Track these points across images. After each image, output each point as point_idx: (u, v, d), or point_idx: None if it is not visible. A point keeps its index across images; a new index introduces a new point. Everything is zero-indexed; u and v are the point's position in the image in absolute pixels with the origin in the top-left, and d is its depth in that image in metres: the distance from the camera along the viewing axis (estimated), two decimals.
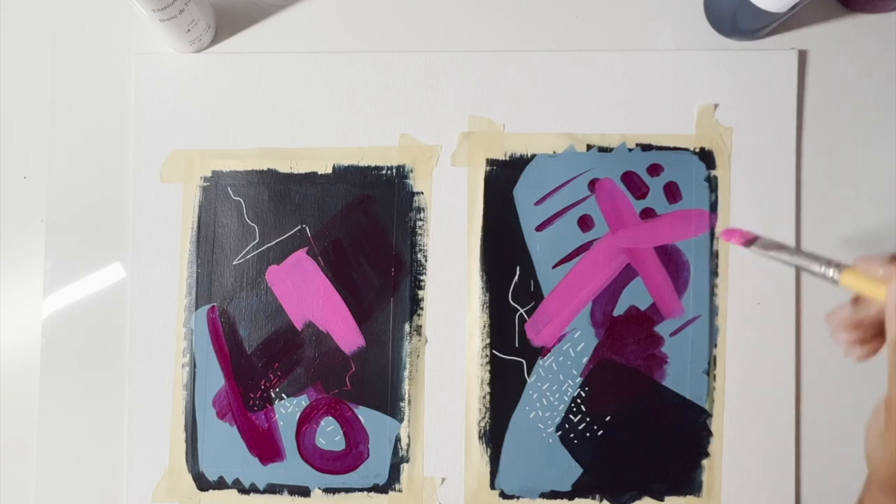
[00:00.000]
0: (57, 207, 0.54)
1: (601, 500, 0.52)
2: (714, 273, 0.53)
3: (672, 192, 0.53)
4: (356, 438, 0.53)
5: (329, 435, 0.53)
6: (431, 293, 0.53)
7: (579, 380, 0.52)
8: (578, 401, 0.52)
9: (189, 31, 0.51)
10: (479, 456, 0.52)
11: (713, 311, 0.52)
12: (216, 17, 0.55)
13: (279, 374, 0.53)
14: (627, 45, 0.54)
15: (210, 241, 0.54)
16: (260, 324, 0.53)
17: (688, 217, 0.53)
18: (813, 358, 0.52)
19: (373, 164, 0.54)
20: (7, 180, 0.56)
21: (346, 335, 0.53)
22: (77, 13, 0.55)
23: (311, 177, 0.54)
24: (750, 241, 0.43)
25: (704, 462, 0.52)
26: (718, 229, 0.53)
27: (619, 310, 0.53)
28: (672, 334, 0.52)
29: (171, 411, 0.53)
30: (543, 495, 0.52)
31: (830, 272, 0.38)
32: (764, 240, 0.42)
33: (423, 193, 0.54)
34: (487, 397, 0.53)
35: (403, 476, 0.52)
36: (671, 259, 0.53)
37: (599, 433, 0.52)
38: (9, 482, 0.54)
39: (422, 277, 0.53)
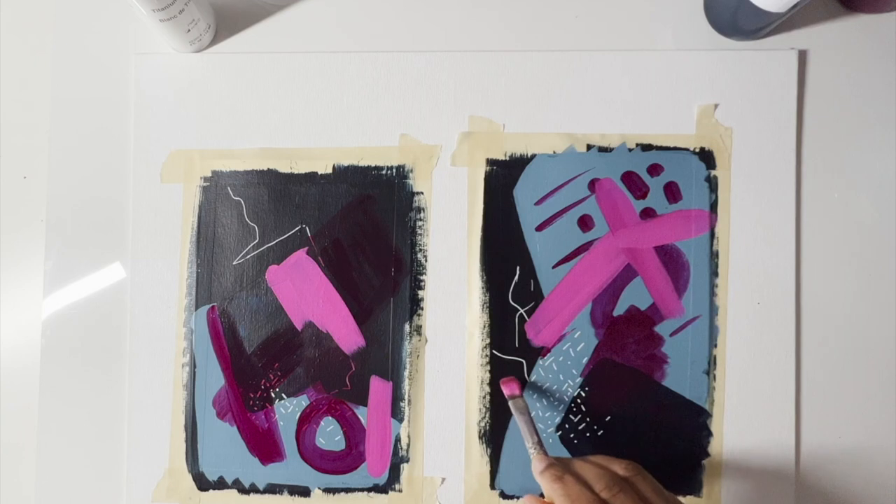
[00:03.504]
0: (57, 207, 0.54)
1: None
2: (714, 273, 0.53)
3: (672, 192, 0.53)
4: (356, 438, 0.53)
5: (329, 435, 0.53)
6: (431, 293, 0.53)
7: (579, 380, 0.52)
8: (578, 401, 0.52)
9: (189, 31, 0.51)
10: (479, 456, 0.52)
11: (713, 311, 0.52)
12: (216, 17, 0.55)
13: (279, 374, 0.53)
14: (627, 45, 0.54)
15: (210, 241, 0.54)
16: (260, 324, 0.53)
17: (688, 217, 0.53)
18: (813, 358, 0.53)
19: (373, 164, 0.54)
20: (7, 180, 0.56)
21: (346, 335, 0.53)
22: (77, 13, 0.55)
23: (311, 177, 0.54)
24: (513, 396, 0.50)
25: (704, 462, 0.52)
26: (718, 229, 0.53)
27: (619, 310, 0.53)
28: (672, 334, 0.52)
29: (171, 411, 0.53)
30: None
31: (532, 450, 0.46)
32: (521, 402, 0.49)
33: (423, 193, 0.54)
34: (487, 397, 0.53)
35: (403, 476, 0.52)
36: (671, 259, 0.53)
37: (599, 433, 0.52)
38: (9, 482, 0.54)
39: (422, 277, 0.53)
